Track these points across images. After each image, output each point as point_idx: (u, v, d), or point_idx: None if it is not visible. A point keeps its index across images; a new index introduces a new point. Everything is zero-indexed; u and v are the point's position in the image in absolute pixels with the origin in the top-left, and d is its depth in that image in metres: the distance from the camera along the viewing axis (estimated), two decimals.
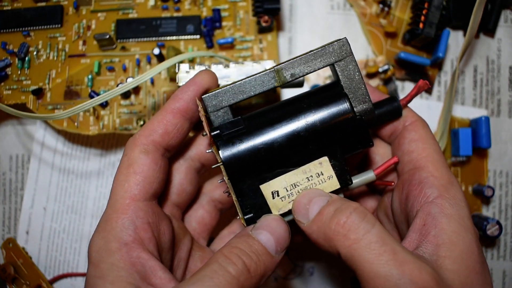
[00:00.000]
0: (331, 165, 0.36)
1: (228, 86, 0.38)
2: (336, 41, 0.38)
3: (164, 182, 0.39)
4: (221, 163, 0.36)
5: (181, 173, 0.42)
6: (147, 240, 0.35)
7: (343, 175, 0.36)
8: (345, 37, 0.38)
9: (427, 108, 0.58)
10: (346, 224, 0.32)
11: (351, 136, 0.37)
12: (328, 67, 0.39)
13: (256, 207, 0.36)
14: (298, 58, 0.37)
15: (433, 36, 0.54)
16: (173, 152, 0.40)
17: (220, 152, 0.36)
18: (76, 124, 0.54)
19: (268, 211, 0.36)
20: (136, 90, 0.54)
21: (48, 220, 0.59)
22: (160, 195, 0.40)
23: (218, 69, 0.44)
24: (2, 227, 0.59)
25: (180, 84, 0.43)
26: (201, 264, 0.40)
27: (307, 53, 0.38)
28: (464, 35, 0.59)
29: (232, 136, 0.36)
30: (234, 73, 0.44)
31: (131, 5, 0.56)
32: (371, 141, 0.37)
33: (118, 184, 0.36)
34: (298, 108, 0.37)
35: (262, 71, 0.38)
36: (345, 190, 0.38)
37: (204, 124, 0.36)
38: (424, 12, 0.54)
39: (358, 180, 0.38)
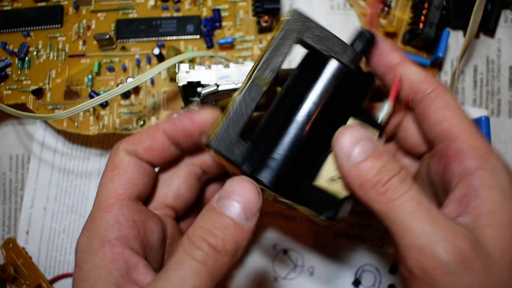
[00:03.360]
0: (359, 121, 0.36)
1: (225, 121, 0.35)
2: (288, 17, 0.37)
3: (151, 186, 0.39)
4: (272, 189, 0.34)
5: (180, 177, 0.41)
6: (132, 238, 0.34)
7: (373, 123, 0.36)
8: (295, 9, 0.37)
9: None
10: (387, 184, 0.31)
11: (356, 86, 0.37)
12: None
13: (325, 201, 0.35)
14: (266, 53, 0.37)
15: (433, 36, 0.54)
16: (160, 165, 0.40)
17: (263, 180, 0.34)
18: (76, 124, 0.54)
19: (335, 198, 0.35)
20: (136, 90, 0.54)
21: (48, 220, 0.59)
22: (155, 197, 0.40)
23: (218, 69, 0.44)
24: (2, 227, 0.59)
25: (180, 84, 0.43)
26: None
27: (270, 44, 0.37)
28: (464, 35, 0.59)
29: (261, 160, 0.35)
30: (234, 73, 0.44)
31: (131, 5, 0.56)
32: (372, 76, 0.37)
33: (103, 186, 0.36)
34: (297, 95, 0.36)
35: (242, 87, 0.36)
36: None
37: (230, 169, 0.36)
38: (424, 12, 0.54)
39: (381, 116, 0.38)
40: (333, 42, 0.37)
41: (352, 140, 0.33)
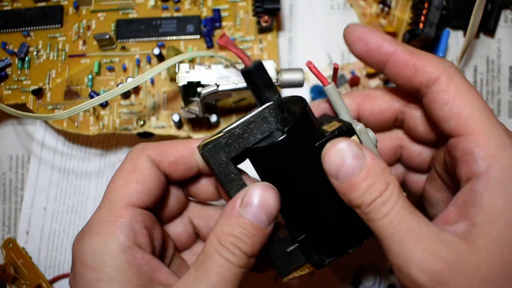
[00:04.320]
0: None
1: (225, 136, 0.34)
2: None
3: (160, 198, 0.38)
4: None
5: (173, 193, 0.41)
6: (145, 245, 0.35)
7: (345, 132, 0.35)
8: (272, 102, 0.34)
9: None
10: (370, 206, 0.32)
11: (304, 132, 0.34)
12: None
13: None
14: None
15: (433, 36, 0.54)
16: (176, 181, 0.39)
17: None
18: (76, 124, 0.54)
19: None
20: (136, 90, 0.54)
21: (48, 220, 0.59)
22: None
23: (218, 69, 0.44)
24: (2, 227, 0.59)
25: (180, 84, 0.43)
26: (180, 272, 0.39)
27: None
28: (464, 35, 0.59)
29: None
30: (234, 73, 0.44)
31: (131, 5, 0.56)
32: (302, 101, 0.35)
33: (117, 188, 0.35)
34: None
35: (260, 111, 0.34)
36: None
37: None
38: (424, 12, 0.54)
39: (343, 115, 0.38)
40: (255, 130, 0.34)
41: (339, 160, 0.32)
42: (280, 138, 0.33)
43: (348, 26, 0.38)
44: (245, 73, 0.34)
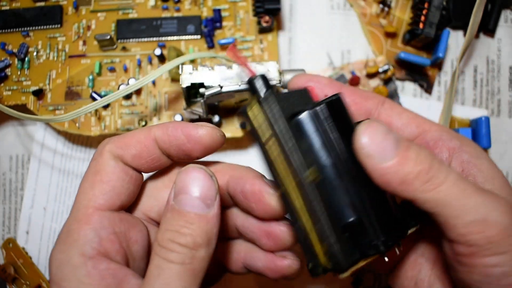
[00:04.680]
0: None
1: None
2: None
3: (135, 194, 0.36)
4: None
5: (168, 191, 0.37)
6: (114, 252, 0.32)
7: None
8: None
9: (427, 108, 0.58)
10: (430, 170, 0.29)
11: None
12: None
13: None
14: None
15: (433, 36, 0.54)
16: (148, 172, 0.37)
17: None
18: (77, 125, 0.54)
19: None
20: (138, 90, 0.54)
21: (48, 220, 0.58)
22: (139, 207, 0.37)
23: (221, 70, 0.44)
24: (2, 227, 0.59)
25: (184, 85, 0.43)
26: None
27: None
28: (464, 35, 0.59)
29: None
30: (237, 74, 0.44)
31: (131, 5, 0.56)
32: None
33: (82, 192, 0.33)
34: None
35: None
36: None
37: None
38: (424, 12, 0.55)
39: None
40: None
41: (379, 137, 0.30)
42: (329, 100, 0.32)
43: None
44: (250, 82, 0.33)
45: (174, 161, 0.37)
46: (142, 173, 0.36)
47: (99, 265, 0.31)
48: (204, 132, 0.34)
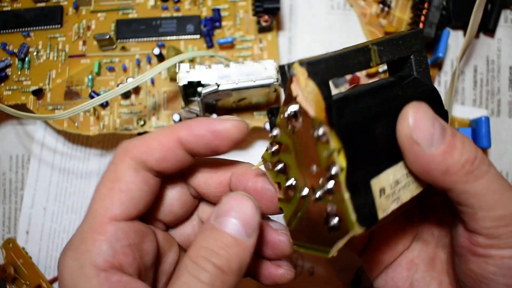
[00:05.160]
0: None
1: (331, 55, 0.29)
2: (415, 32, 0.34)
3: (152, 203, 0.34)
4: (332, 128, 0.27)
5: (174, 194, 0.37)
6: (127, 265, 0.31)
7: None
8: (421, 29, 0.34)
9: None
10: (475, 162, 0.29)
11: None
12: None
13: (366, 208, 0.29)
14: (386, 40, 0.32)
15: (433, 36, 0.54)
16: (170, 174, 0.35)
17: (338, 125, 0.28)
18: (76, 124, 0.54)
19: (374, 213, 0.29)
20: (137, 90, 0.54)
21: (48, 220, 0.59)
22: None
23: (218, 69, 0.44)
24: (2, 227, 0.59)
25: (181, 84, 0.43)
26: None
27: (391, 37, 0.32)
28: (464, 35, 0.59)
29: (342, 109, 0.29)
30: (235, 73, 0.44)
31: (131, 5, 0.56)
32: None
33: (99, 198, 0.32)
34: (394, 97, 0.32)
35: (357, 47, 0.31)
36: None
37: (306, 100, 0.29)
38: (424, 12, 0.54)
39: None
40: (425, 77, 0.34)
41: (429, 123, 0.29)
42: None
43: None
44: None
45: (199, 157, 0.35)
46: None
47: (111, 277, 0.30)
48: (229, 125, 0.33)
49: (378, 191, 0.29)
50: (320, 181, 0.29)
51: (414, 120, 0.29)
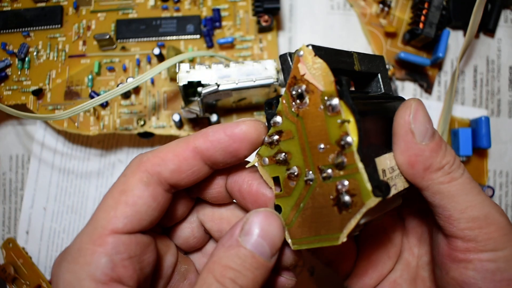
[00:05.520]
0: None
1: (327, 47, 0.31)
2: (380, 56, 0.37)
3: (158, 219, 0.33)
4: (354, 119, 0.28)
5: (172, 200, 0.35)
6: (127, 278, 0.30)
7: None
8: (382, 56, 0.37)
9: (427, 108, 0.58)
10: (453, 165, 0.31)
11: None
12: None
13: (378, 179, 0.30)
14: (363, 54, 0.35)
15: (433, 36, 0.54)
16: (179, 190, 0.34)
17: (351, 104, 0.29)
18: (76, 124, 0.54)
19: (385, 183, 0.30)
20: (137, 90, 0.54)
21: (48, 220, 0.59)
22: None
23: (218, 69, 0.44)
24: (2, 227, 0.59)
25: (181, 84, 0.43)
26: (186, 279, 0.36)
27: (366, 53, 0.35)
28: (464, 35, 0.59)
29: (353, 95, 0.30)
30: (235, 73, 0.44)
31: (131, 5, 0.56)
32: None
33: (103, 209, 0.31)
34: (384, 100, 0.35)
35: (345, 51, 0.33)
36: None
37: (322, 72, 0.29)
38: (424, 12, 0.54)
39: None
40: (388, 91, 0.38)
41: (426, 118, 0.31)
42: None
43: None
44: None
45: (217, 168, 0.34)
46: (176, 190, 0.34)
47: None
48: (247, 127, 0.32)
49: (381, 171, 0.30)
50: (330, 158, 0.29)
51: (415, 112, 0.31)
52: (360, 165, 0.28)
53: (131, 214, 0.30)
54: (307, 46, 0.29)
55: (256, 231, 0.30)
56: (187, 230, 0.38)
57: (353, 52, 0.34)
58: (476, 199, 0.31)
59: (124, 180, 0.31)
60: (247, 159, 0.34)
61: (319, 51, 0.30)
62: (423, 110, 0.31)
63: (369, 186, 0.28)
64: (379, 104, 0.34)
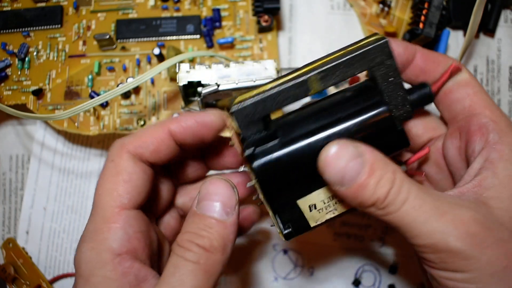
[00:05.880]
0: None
1: (257, 97, 0.33)
2: (375, 42, 0.34)
3: (151, 192, 0.38)
4: (255, 175, 0.34)
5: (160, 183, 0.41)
6: (141, 250, 0.34)
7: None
8: (385, 38, 0.34)
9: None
10: (386, 199, 0.31)
11: (389, 142, 0.35)
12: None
13: (293, 221, 0.35)
14: (333, 62, 0.34)
15: (433, 36, 0.54)
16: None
17: (254, 168, 0.33)
18: (76, 124, 0.54)
19: (306, 223, 0.35)
20: (137, 90, 0.54)
21: (48, 220, 0.59)
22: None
23: (218, 69, 0.44)
24: (2, 227, 0.59)
25: (181, 84, 0.43)
26: None
27: (342, 54, 0.34)
28: (464, 35, 0.59)
29: (266, 151, 0.34)
30: (235, 73, 0.44)
31: (131, 5, 0.56)
32: (408, 142, 0.35)
33: (105, 193, 0.35)
34: (335, 116, 0.35)
35: (290, 79, 0.34)
36: None
37: (236, 142, 0.35)
38: (424, 12, 0.54)
39: None
40: (397, 90, 0.35)
41: (342, 163, 0.31)
42: (398, 127, 0.36)
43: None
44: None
45: (185, 149, 0.39)
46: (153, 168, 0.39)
47: (125, 262, 0.33)
48: (213, 116, 0.38)
49: (307, 207, 0.35)
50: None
51: (325, 161, 0.31)
52: (271, 214, 0.35)
53: (132, 189, 0.35)
54: (231, 112, 0.33)
55: (205, 196, 0.34)
56: (172, 220, 0.44)
57: (311, 75, 0.34)
58: (425, 227, 0.31)
59: (114, 165, 0.35)
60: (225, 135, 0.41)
61: (238, 114, 0.33)
62: (338, 155, 0.31)
63: (279, 230, 0.35)
64: (308, 146, 0.34)
